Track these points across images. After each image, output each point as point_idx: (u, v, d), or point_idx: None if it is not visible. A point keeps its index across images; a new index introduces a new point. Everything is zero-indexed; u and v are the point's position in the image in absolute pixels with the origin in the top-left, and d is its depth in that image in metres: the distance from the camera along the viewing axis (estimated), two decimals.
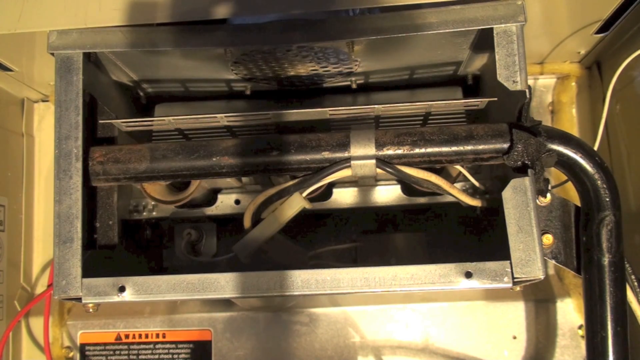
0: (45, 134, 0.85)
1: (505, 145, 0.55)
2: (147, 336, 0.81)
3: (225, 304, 0.81)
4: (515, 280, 0.53)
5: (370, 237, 0.80)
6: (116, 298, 0.55)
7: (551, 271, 0.80)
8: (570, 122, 0.80)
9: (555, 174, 0.76)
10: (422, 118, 0.64)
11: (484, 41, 0.59)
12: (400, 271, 0.54)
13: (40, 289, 0.83)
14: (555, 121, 0.81)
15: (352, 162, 0.55)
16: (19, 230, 0.81)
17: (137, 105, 0.72)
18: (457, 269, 0.53)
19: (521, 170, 0.54)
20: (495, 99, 0.57)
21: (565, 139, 0.56)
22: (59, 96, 0.57)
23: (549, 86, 0.82)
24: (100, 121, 0.61)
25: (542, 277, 0.52)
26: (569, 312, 0.78)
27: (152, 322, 0.81)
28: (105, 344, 0.81)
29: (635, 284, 0.57)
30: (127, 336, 0.81)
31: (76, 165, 0.56)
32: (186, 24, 0.58)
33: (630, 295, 0.57)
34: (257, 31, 0.58)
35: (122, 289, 0.55)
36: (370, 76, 0.69)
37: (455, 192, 0.59)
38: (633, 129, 0.72)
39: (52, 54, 0.58)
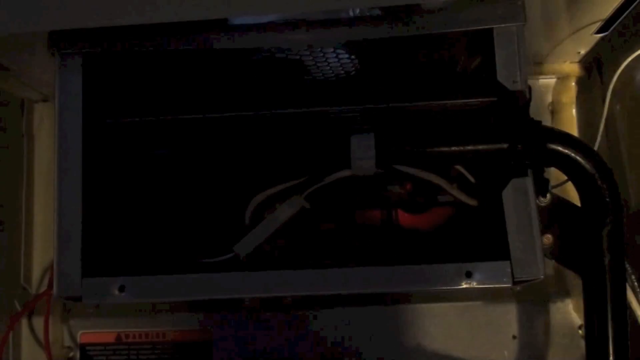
0: (45, 134, 0.85)
1: (505, 145, 0.55)
2: (147, 336, 0.81)
3: (225, 304, 0.81)
4: (515, 280, 0.53)
5: (370, 237, 0.80)
6: (116, 298, 0.55)
7: (551, 271, 0.80)
8: (570, 122, 0.80)
9: (555, 174, 0.76)
10: (422, 118, 0.64)
11: (483, 41, 0.59)
12: (401, 271, 0.54)
13: (40, 289, 0.83)
14: (555, 121, 0.81)
15: (352, 162, 0.55)
16: (19, 230, 0.81)
17: (137, 105, 0.72)
18: (457, 269, 0.53)
19: (521, 170, 0.54)
20: (495, 99, 0.57)
21: (565, 139, 0.56)
22: (59, 96, 0.57)
23: (549, 86, 0.82)
24: (101, 121, 0.61)
25: (542, 277, 0.52)
26: (569, 312, 0.78)
27: (152, 322, 0.81)
28: (105, 344, 0.81)
29: (635, 284, 0.57)
30: (127, 336, 0.81)
31: (76, 165, 0.56)
32: (186, 24, 0.58)
33: (630, 295, 0.57)
34: (257, 31, 0.58)
35: (122, 289, 0.55)
36: (370, 76, 0.69)
37: (455, 192, 0.59)
38: (633, 129, 0.72)
39: (52, 54, 0.58)
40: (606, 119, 0.66)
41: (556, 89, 0.82)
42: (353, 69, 0.66)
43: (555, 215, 0.58)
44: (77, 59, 0.58)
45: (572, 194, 0.64)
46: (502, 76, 0.56)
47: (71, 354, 0.81)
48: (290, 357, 0.79)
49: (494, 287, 0.53)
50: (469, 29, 0.57)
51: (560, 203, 0.58)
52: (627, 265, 0.57)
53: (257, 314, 0.80)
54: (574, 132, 0.80)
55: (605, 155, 0.76)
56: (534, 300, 0.79)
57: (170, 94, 0.73)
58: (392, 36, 0.57)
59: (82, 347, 0.81)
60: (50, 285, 0.77)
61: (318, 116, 0.61)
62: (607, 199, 0.55)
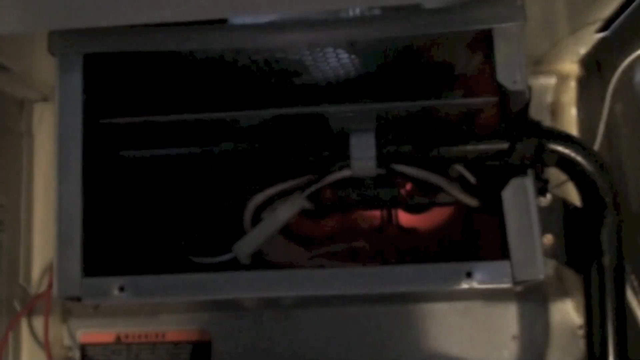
0: (45, 134, 0.85)
1: (505, 145, 0.55)
2: (147, 336, 0.81)
3: (225, 304, 0.81)
4: (515, 280, 0.53)
5: (371, 237, 0.80)
6: (116, 298, 0.55)
7: (551, 271, 0.80)
8: (570, 122, 0.80)
9: (555, 174, 0.76)
10: (422, 118, 0.64)
11: (483, 41, 0.59)
12: (401, 271, 0.54)
13: (40, 289, 0.83)
14: (555, 121, 0.81)
15: (352, 162, 0.55)
16: (19, 230, 0.81)
17: (137, 105, 0.72)
18: (457, 269, 0.53)
19: (521, 170, 0.54)
20: (495, 99, 0.57)
21: (565, 139, 0.56)
22: (59, 96, 0.57)
23: (549, 86, 0.82)
24: (101, 121, 0.61)
25: (542, 277, 0.52)
26: (569, 312, 0.78)
27: (152, 322, 0.81)
28: (105, 344, 0.81)
29: (635, 284, 0.57)
30: (127, 336, 0.81)
31: (76, 165, 0.56)
32: (186, 24, 0.58)
33: (630, 296, 0.57)
34: (257, 31, 0.58)
35: (122, 289, 0.55)
36: (370, 76, 0.69)
37: (455, 192, 0.59)
38: (633, 129, 0.72)
39: (52, 54, 0.58)
40: (606, 119, 0.66)
41: (556, 89, 0.82)
42: (353, 69, 0.66)
43: (555, 215, 0.58)
44: (77, 59, 0.58)
45: (572, 194, 0.64)
46: (502, 76, 0.55)
47: (71, 354, 0.81)
48: (290, 357, 0.79)
49: (494, 287, 0.53)
50: (469, 29, 0.57)
51: (560, 203, 0.58)
52: (627, 265, 0.57)
53: (257, 314, 0.80)
54: (574, 132, 0.80)
55: (605, 155, 0.76)
56: (534, 300, 0.79)
57: (170, 94, 0.73)
58: (392, 36, 0.57)
59: (82, 347, 0.81)
60: (50, 285, 0.77)
61: (318, 116, 0.61)
62: (607, 199, 0.55)
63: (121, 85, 0.68)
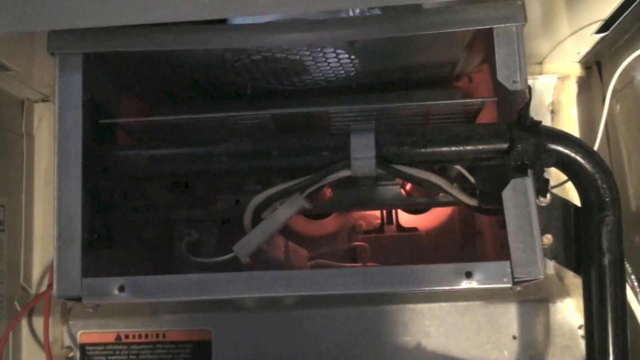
0: (45, 134, 0.85)
1: (505, 145, 0.55)
2: (147, 336, 0.81)
3: (225, 304, 0.81)
4: (515, 280, 0.53)
5: (371, 237, 0.80)
6: (116, 298, 0.55)
7: (551, 271, 0.80)
8: (570, 122, 0.80)
9: (555, 174, 0.76)
10: (421, 118, 0.64)
11: (484, 41, 0.59)
12: (401, 271, 0.54)
13: (40, 289, 0.83)
14: (555, 121, 0.81)
15: (352, 162, 0.55)
16: (19, 230, 0.81)
17: (137, 105, 0.72)
18: (457, 269, 0.53)
19: (521, 170, 0.54)
20: (495, 98, 0.57)
21: (565, 139, 0.56)
22: (59, 96, 0.57)
23: (549, 86, 0.82)
24: (101, 121, 0.61)
25: (542, 277, 0.52)
26: (569, 312, 0.78)
27: (152, 322, 0.81)
28: (105, 344, 0.81)
29: (635, 284, 0.57)
30: (127, 336, 0.81)
31: (76, 165, 0.56)
32: (186, 24, 0.58)
33: (630, 295, 0.57)
34: (257, 31, 0.58)
35: (122, 289, 0.55)
36: (370, 76, 0.69)
37: (455, 192, 0.59)
38: (633, 129, 0.72)
39: (52, 54, 0.58)
40: (606, 119, 0.66)
41: (556, 89, 0.82)
42: (353, 69, 0.66)
43: (555, 215, 0.58)
44: (77, 59, 0.58)
45: (572, 194, 0.64)
46: (502, 76, 0.56)
47: (71, 354, 0.81)
48: (289, 357, 0.80)
49: (494, 287, 0.53)
50: (469, 29, 0.57)
51: (560, 203, 0.58)
52: (627, 265, 0.57)
53: (257, 314, 0.80)
54: (574, 132, 0.80)
55: (605, 155, 0.76)
56: (534, 300, 0.79)
57: (170, 93, 0.73)
58: (392, 36, 0.57)
59: (82, 347, 0.81)
60: (50, 285, 0.77)
61: (318, 116, 0.61)
62: (607, 199, 0.55)
63: (121, 85, 0.68)
